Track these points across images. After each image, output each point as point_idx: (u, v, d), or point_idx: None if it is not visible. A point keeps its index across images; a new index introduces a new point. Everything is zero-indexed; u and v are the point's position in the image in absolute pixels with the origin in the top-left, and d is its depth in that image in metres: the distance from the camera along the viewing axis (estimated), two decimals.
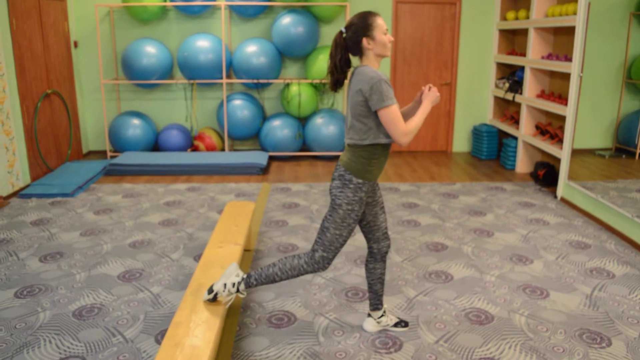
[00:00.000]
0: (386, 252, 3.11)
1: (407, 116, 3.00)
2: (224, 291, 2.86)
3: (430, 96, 2.86)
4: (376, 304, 3.21)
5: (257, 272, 2.93)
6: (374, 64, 2.80)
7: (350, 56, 2.84)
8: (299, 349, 3.05)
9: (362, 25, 2.72)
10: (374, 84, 2.65)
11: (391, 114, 2.66)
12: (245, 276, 2.93)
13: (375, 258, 3.12)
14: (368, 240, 3.10)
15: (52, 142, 6.66)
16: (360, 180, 2.81)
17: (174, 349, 2.46)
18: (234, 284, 2.88)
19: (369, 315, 3.26)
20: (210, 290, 2.87)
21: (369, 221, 3.04)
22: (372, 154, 2.80)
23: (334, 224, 2.85)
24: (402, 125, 2.67)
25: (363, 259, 4.22)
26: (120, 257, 4.26)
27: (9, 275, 3.92)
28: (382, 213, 3.05)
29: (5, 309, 3.44)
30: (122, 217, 5.14)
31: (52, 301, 3.55)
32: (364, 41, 2.73)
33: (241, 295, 2.95)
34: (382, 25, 2.74)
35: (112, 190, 6.01)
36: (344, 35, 2.77)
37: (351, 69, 2.87)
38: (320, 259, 2.88)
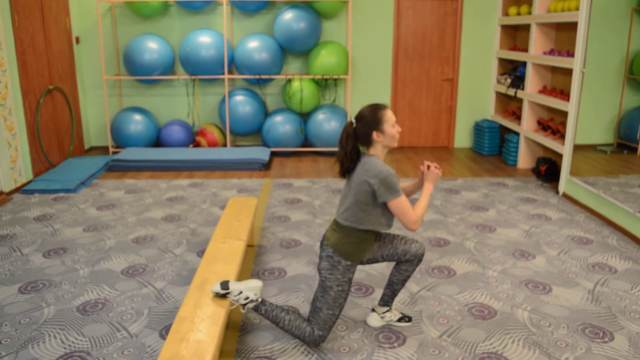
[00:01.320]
0: (423, 254, 3.12)
1: (408, 193, 3.10)
2: (235, 296, 2.89)
3: (431, 176, 2.98)
4: (388, 301, 3.23)
5: (271, 307, 2.97)
6: (380, 154, 2.89)
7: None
8: (302, 344, 3.06)
9: (372, 119, 2.81)
10: (383, 178, 2.74)
11: (401, 205, 2.77)
12: (260, 300, 2.96)
13: (412, 262, 3.13)
14: (404, 262, 3.13)
15: (55, 138, 6.67)
16: (349, 263, 2.89)
17: (178, 343, 2.47)
18: (247, 298, 2.91)
19: (373, 310, 3.27)
20: (226, 287, 2.89)
21: (392, 254, 3.07)
22: (365, 239, 2.90)
23: (327, 305, 2.91)
24: (412, 214, 2.79)
25: None
26: (124, 252, 4.28)
27: (13, 270, 3.94)
28: (397, 239, 3.08)
29: (10, 304, 3.45)
30: (124, 213, 5.15)
31: (56, 296, 3.56)
32: (374, 134, 2.82)
33: (241, 310, 2.99)
34: (391, 118, 2.83)
35: (115, 185, 6.02)
36: (354, 126, 2.84)
37: None
38: (317, 337, 2.96)
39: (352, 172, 2.90)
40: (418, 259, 3.11)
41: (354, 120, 2.86)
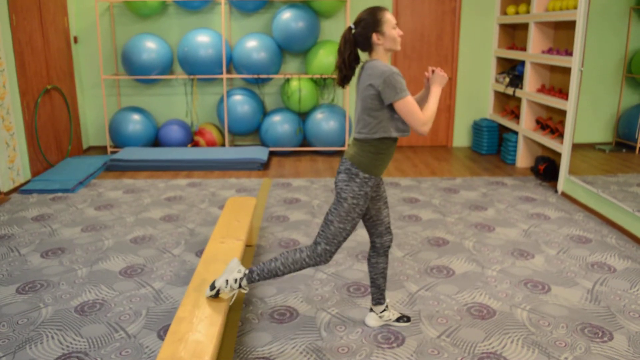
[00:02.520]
0: (388, 247, 3.12)
1: (419, 104, 2.97)
2: (226, 287, 2.86)
3: (437, 79, 2.84)
4: (379, 298, 3.21)
5: (260, 267, 2.93)
6: (384, 59, 2.80)
7: (359, 52, 2.83)
8: (301, 344, 3.05)
9: (371, 21, 2.72)
10: (386, 77, 2.64)
11: (408, 105, 2.66)
12: (247, 272, 2.93)
13: (378, 252, 3.12)
14: (371, 234, 3.11)
15: (53, 137, 6.66)
16: (367, 175, 2.81)
17: (177, 344, 2.47)
18: (236, 280, 2.88)
19: (371, 310, 3.27)
20: (213, 287, 2.87)
21: (372, 215, 3.04)
22: (380, 148, 2.80)
23: (339, 217, 2.84)
24: (420, 115, 2.68)
25: (365, 254, 4.23)
26: (122, 252, 4.27)
27: (11, 271, 3.92)
28: (385, 208, 3.05)
29: (7, 305, 3.44)
30: (123, 213, 5.14)
31: (54, 297, 3.55)
32: (374, 36, 2.73)
33: (243, 291, 2.95)
34: (391, 20, 2.74)
35: (113, 185, 6.01)
36: (353, 31, 2.77)
37: (360, 64, 2.87)
38: (322, 252, 2.88)
39: (349, 80, 2.84)
40: (384, 249, 3.10)
41: (352, 26, 2.78)
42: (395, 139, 2.84)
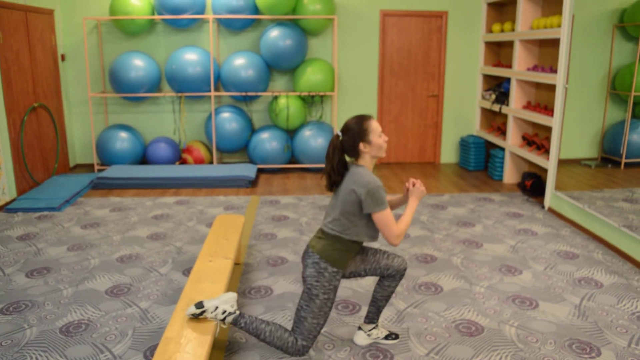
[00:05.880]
0: (405, 269, 3.12)
1: (392, 207, 3.10)
2: (212, 312, 2.84)
3: (416, 192, 2.98)
4: (373, 318, 3.21)
5: (251, 319, 2.94)
6: (369, 165, 2.90)
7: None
8: None
9: (358, 130, 2.82)
10: (370, 189, 2.76)
11: (385, 218, 2.79)
12: (238, 313, 2.92)
13: (395, 277, 3.12)
14: (387, 277, 3.12)
15: (39, 155, 6.61)
16: (335, 269, 2.88)
17: None
18: (224, 312, 2.87)
19: (360, 328, 3.25)
20: (200, 306, 2.84)
21: (374, 268, 3.07)
22: (349, 248, 2.90)
23: (312, 314, 2.89)
24: (395, 228, 2.80)
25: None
26: (108, 271, 4.23)
27: None
28: (379, 253, 3.08)
29: None
30: (109, 231, 5.10)
31: (39, 317, 3.51)
32: (361, 145, 2.83)
33: (222, 326, 2.95)
34: (377, 129, 2.85)
35: (100, 204, 5.97)
36: (340, 138, 2.86)
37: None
38: (301, 347, 2.93)
39: (339, 184, 2.90)
40: (400, 274, 3.10)
41: (340, 133, 2.86)
42: (362, 242, 2.95)
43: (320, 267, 2.86)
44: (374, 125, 2.84)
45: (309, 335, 2.91)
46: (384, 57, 7.74)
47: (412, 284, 4.02)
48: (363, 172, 2.81)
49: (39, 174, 6.60)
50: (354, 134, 2.82)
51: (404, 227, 2.82)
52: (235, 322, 2.91)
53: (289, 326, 3.40)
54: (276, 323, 2.98)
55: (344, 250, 2.88)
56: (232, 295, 2.94)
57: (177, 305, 2.97)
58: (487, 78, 7.81)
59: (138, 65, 7.09)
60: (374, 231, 2.90)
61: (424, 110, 7.98)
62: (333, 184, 2.92)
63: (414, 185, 2.99)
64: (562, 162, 5.57)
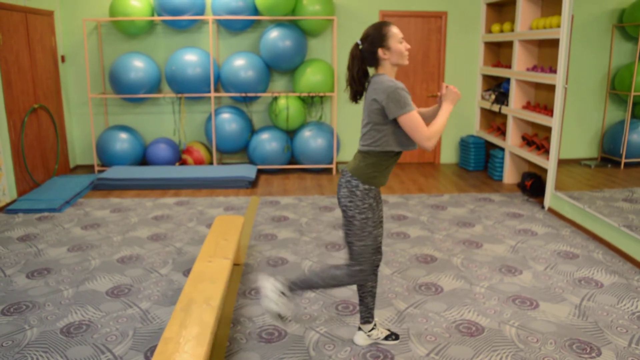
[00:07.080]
0: (377, 266, 3.12)
1: (429, 118, 2.98)
2: (277, 307, 2.92)
3: (450, 95, 2.83)
4: (367, 317, 3.21)
5: (301, 283, 2.98)
6: (390, 73, 2.80)
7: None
8: (290, 357, 3.03)
9: (377, 36, 2.73)
10: (390, 92, 2.66)
11: (412, 120, 2.67)
12: (288, 286, 2.98)
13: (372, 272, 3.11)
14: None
15: (39, 156, 6.62)
16: (366, 186, 2.82)
17: None
18: (280, 293, 2.94)
19: (360, 328, 3.25)
20: (277, 317, 2.94)
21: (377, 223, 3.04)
22: (381, 161, 2.82)
23: (356, 237, 2.86)
24: (424, 130, 2.67)
25: None
26: (109, 272, 4.23)
27: None
28: (379, 227, 3.06)
29: None
30: (110, 232, 5.11)
31: (40, 318, 3.51)
32: (380, 52, 2.75)
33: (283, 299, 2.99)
34: (397, 34, 2.75)
35: (100, 205, 5.97)
36: (360, 47, 2.79)
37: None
38: (359, 273, 2.91)
39: (362, 95, 2.84)
40: (372, 268, 3.10)
41: (359, 42, 2.79)
42: (398, 153, 2.86)
43: (352, 185, 2.82)
44: (394, 31, 2.74)
45: (361, 258, 2.88)
46: None
47: (412, 285, 4.02)
48: (383, 79, 2.72)
49: (39, 175, 6.61)
50: (372, 39, 2.74)
51: (435, 129, 2.69)
52: (292, 290, 2.97)
53: (290, 328, 3.40)
54: (320, 269, 2.98)
55: (376, 164, 2.80)
56: (268, 283, 2.97)
57: (176, 305, 2.97)
58: (487, 78, 7.81)
59: (138, 66, 7.09)
60: (404, 138, 2.78)
61: None
62: (355, 94, 2.86)
63: (447, 88, 2.84)
64: (561, 162, 5.58)
